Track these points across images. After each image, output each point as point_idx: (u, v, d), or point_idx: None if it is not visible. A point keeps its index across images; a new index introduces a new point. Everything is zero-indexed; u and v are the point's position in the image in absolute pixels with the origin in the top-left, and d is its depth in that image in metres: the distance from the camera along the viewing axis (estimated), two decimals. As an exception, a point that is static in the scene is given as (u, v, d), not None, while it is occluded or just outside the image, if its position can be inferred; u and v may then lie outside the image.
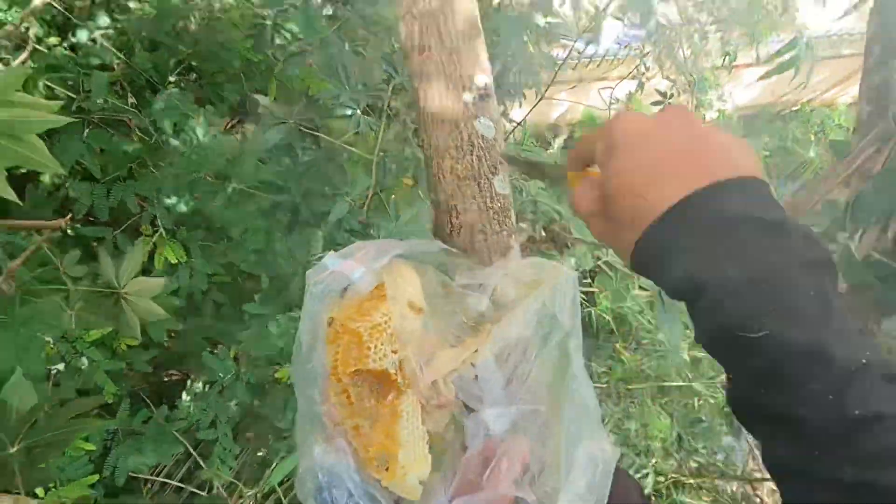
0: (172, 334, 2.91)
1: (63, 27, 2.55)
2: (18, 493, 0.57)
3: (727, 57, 3.42)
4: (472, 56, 0.78)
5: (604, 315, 4.41)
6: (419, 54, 0.77)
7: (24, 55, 2.05)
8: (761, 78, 2.57)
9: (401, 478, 0.57)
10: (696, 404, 4.34)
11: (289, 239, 1.51)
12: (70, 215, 1.04)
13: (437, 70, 0.76)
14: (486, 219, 0.74)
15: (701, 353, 4.54)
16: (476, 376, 0.59)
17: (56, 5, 2.34)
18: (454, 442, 0.63)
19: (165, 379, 3.32)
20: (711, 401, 4.25)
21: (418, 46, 0.77)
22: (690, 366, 4.65)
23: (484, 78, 0.78)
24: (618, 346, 4.09)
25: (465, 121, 0.75)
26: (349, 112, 1.32)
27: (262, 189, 2.25)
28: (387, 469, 0.57)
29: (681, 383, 4.22)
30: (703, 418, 4.25)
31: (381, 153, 1.40)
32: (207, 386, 2.76)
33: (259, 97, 1.50)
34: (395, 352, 0.60)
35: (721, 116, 3.78)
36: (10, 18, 2.16)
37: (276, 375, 3.02)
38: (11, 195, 0.76)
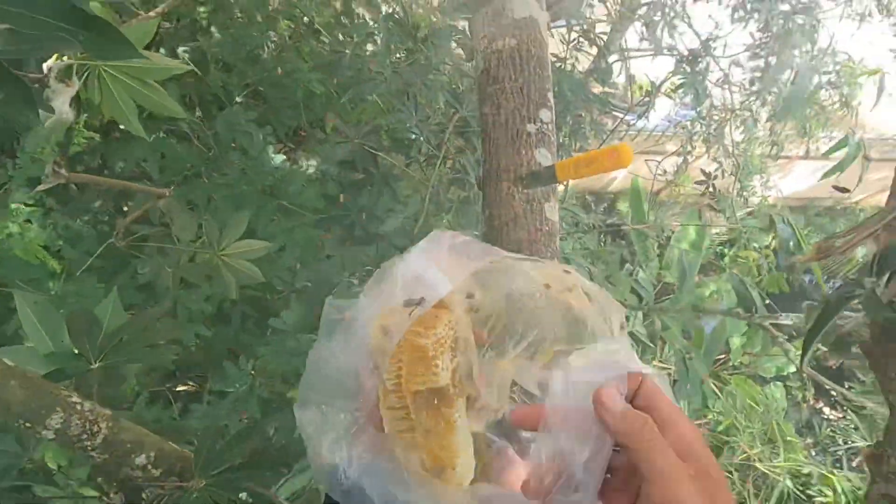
0: (198, 340, 2.97)
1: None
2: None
3: (775, 147, 3.46)
4: (540, 92, 0.83)
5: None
6: (493, 84, 0.83)
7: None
8: (825, 176, 2.63)
9: (456, 486, 0.56)
10: None
11: (342, 252, 1.56)
12: (172, 187, 1.12)
13: (506, 100, 0.82)
14: (535, 239, 0.77)
15: None
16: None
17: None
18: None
19: (178, 387, 3.36)
20: None
21: (493, 78, 0.83)
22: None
23: (548, 114, 0.83)
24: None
25: (527, 149, 0.80)
26: (413, 137, 1.40)
27: (307, 208, 2.33)
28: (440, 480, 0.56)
29: None
30: None
31: (437, 182, 1.46)
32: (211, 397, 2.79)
33: (330, 115, 1.59)
34: (454, 358, 0.58)
35: (764, 203, 3.79)
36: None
37: (289, 395, 3.03)
38: (141, 132, 0.83)
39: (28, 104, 0.44)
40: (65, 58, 0.74)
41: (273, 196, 2.47)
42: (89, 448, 0.58)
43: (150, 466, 0.61)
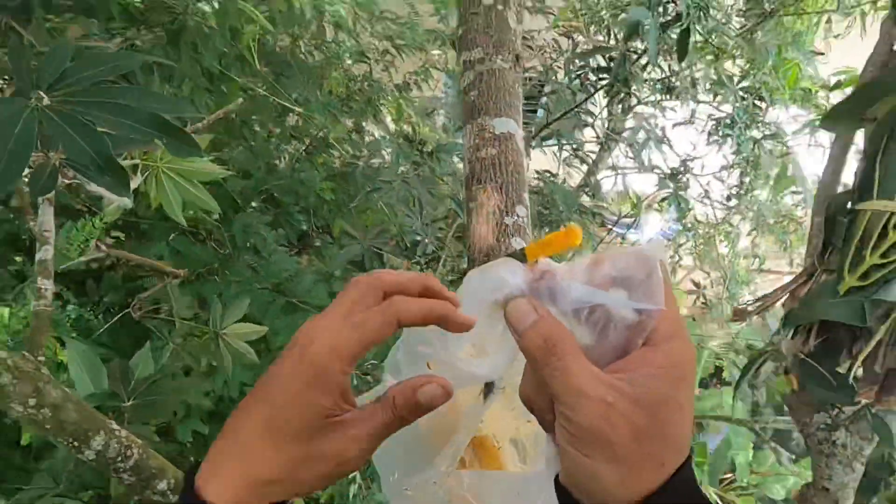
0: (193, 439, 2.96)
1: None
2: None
3: (757, 259, 3.62)
4: (517, 192, 0.99)
5: None
6: (477, 184, 0.99)
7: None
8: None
9: None
10: None
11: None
12: (187, 269, 1.26)
13: (487, 198, 0.97)
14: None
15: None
16: None
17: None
18: None
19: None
20: None
21: (477, 178, 1.00)
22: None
23: (523, 209, 0.99)
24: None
25: (505, 237, 0.94)
26: (417, 239, 1.56)
27: (313, 305, 2.46)
28: None
29: None
30: None
31: (440, 277, 1.61)
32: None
33: (342, 222, 1.77)
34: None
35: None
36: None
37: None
38: (181, 220, 0.98)
39: (124, 186, 0.58)
40: (134, 158, 0.93)
41: (283, 294, 2.61)
42: (121, 470, 0.67)
43: (169, 492, 0.69)
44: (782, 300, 0.77)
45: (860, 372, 0.66)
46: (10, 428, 1.96)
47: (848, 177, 0.77)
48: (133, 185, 0.90)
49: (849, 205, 0.72)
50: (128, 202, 0.92)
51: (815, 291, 0.71)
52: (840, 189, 0.78)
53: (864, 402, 0.70)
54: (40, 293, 0.82)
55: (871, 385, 0.65)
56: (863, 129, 0.73)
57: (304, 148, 3.39)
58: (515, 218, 0.96)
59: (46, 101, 0.55)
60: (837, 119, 0.77)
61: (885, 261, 0.66)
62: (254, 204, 3.02)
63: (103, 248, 1.07)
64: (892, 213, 0.67)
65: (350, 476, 2.64)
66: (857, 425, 0.73)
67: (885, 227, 0.67)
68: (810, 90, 3.08)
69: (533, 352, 0.37)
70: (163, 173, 0.96)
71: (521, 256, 0.89)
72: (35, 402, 0.62)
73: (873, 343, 0.65)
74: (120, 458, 0.67)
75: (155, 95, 0.61)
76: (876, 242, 0.66)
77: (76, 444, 0.64)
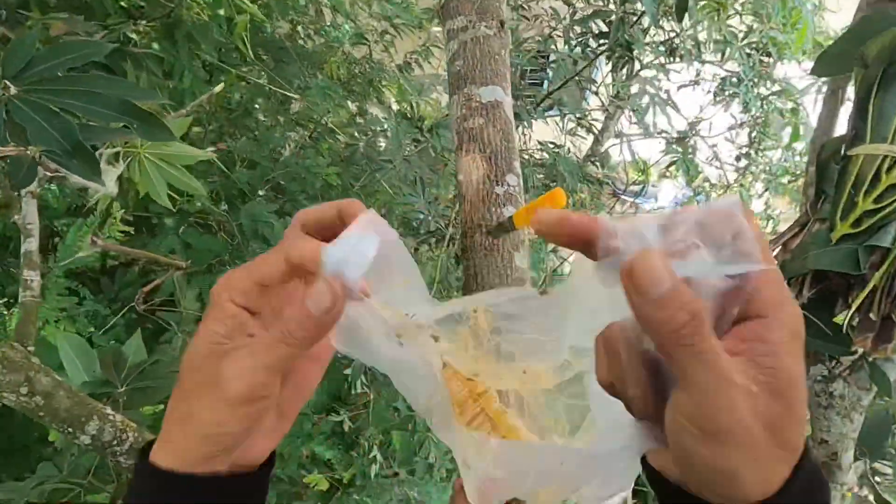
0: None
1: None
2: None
3: (770, 221, 3.56)
4: (507, 160, 0.98)
5: None
6: (465, 155, 0.98)
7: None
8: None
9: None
10: None
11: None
12: (190, 260, 1.27)
13: (476, 167, 0.96)
14: (506, 284, 0.89)
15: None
16: None
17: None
18: None
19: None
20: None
21: (465, 149, 0.99)
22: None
23: (514, 178, 0.98)
24: None
25: (496, 207, 0.93)
26: (421, 216, 1.56)
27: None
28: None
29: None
30: None
31: (445, 258, 1.61)
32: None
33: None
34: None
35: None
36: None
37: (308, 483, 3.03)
38: (168, 203, 0.99)
39: (94, 171, 0.59)
40: (115, 146, 0.93)
41: (292, 280, 2.63)
42: (118, 453, 0.69)
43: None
44: (775, 252, 0.75)
45: (856, 321, 0.65)
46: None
47: (843, 124, 0.75)
48: (116, 172, 0.92)
49: (842, 151, 0.70)
50: (110, 188, 0.94)
51: (808, 241, 0.70)
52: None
53: (860, 351, 0.69)
54: (26, 284, 0.83)
55: (866, 334, 0.63)
56: (854, 73, 0.70)
57: (308, 134, 3.39)
58: (506, 187, 0.95)
59: (14, 90, 0.55)
60: (829, 63, 0.75)
61: (878, 206, 0.64)
62: (261, 193, 3.03)
63: (99, 242, 1.09)
64: (886, 157, 0.65)
65: (371, 456, 2.67)
66: (855, 375, 0.72)
67: (877, 171, 0.65)
68: (821, 44, 2.99)
69: (671, 325, 0.29)
70: (145, 158, 0.97)
71: (509, 224, 0.89)
72: (26, 390, 0.64)
73: (867, 290, 0.63)
74: (116, 442, 0.68)
75: (124, 83, 0.61)
76: (868, 187, 0.64)
77: (71, 429, 0.66)
